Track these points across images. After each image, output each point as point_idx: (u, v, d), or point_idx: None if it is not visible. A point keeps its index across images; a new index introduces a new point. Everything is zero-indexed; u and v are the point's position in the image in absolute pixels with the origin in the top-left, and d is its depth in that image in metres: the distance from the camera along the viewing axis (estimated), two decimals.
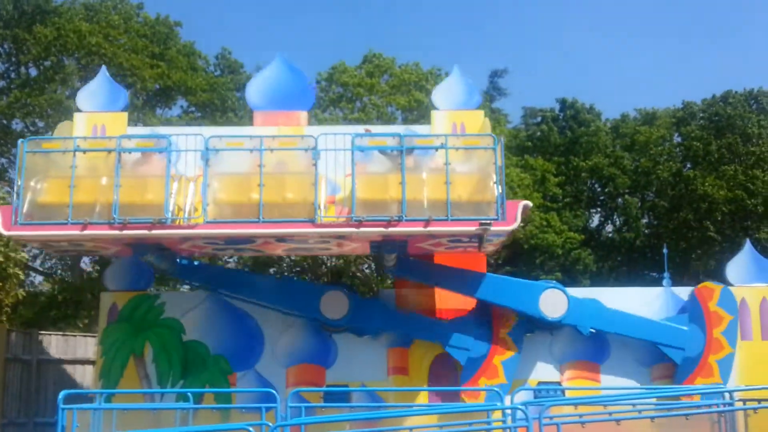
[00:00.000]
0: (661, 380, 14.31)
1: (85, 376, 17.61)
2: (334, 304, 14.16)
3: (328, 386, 14.24)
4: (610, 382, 14.13)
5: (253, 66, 34.91)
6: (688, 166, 30.73)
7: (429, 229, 11.99)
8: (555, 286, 14.18)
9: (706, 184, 28.14)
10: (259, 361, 14.54)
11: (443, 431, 11.04)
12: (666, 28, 61.03)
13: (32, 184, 12.08)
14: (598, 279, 27.66)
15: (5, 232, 11.91)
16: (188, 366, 14.49)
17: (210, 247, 13.41)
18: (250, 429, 8.72)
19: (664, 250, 15.90)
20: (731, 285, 14.83)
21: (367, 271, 28.80)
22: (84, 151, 12.29)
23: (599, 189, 32.01)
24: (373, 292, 25.39)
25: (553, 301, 13.99)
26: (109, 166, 12.16)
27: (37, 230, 11.98)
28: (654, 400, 12.52)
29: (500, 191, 12.03)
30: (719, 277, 16.25)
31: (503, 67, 39.70)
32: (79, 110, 13.98)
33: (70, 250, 13.72)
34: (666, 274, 15.05)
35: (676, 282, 16.24)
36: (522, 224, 28.25)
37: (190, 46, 30.71)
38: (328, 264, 31.28)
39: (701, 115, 31.14)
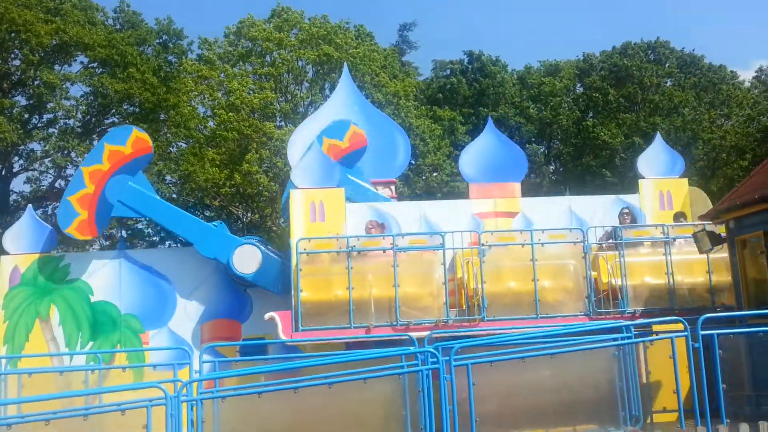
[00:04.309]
0: None
1: None
2: (247, 258, 14.14)
3: (243, 340, 14.27)
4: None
5: (152, 20, 33.61)
6: (591, 114, 31.72)
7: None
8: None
9: (604, 132, 29.19)
10: (171, 318, 14.41)
11: (358, 377, 11.20)
12: None
13: (302, 284, 12.13)
14: None
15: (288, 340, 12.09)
16: (98, 327, 14.25)
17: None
18: (162, 387, 8.70)
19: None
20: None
21: (283, 225, 28.68)
22: (358, 251, 12.31)
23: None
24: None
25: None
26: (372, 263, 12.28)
27: (318, 335, 12.05)
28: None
29: None
30: None
31: (412, 20, 39.79)
32: (294, 187, 13.64)
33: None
34: None
35: None
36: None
37: None
38: (244, 219, 31.02)
39: (601, 66, 32.11)
